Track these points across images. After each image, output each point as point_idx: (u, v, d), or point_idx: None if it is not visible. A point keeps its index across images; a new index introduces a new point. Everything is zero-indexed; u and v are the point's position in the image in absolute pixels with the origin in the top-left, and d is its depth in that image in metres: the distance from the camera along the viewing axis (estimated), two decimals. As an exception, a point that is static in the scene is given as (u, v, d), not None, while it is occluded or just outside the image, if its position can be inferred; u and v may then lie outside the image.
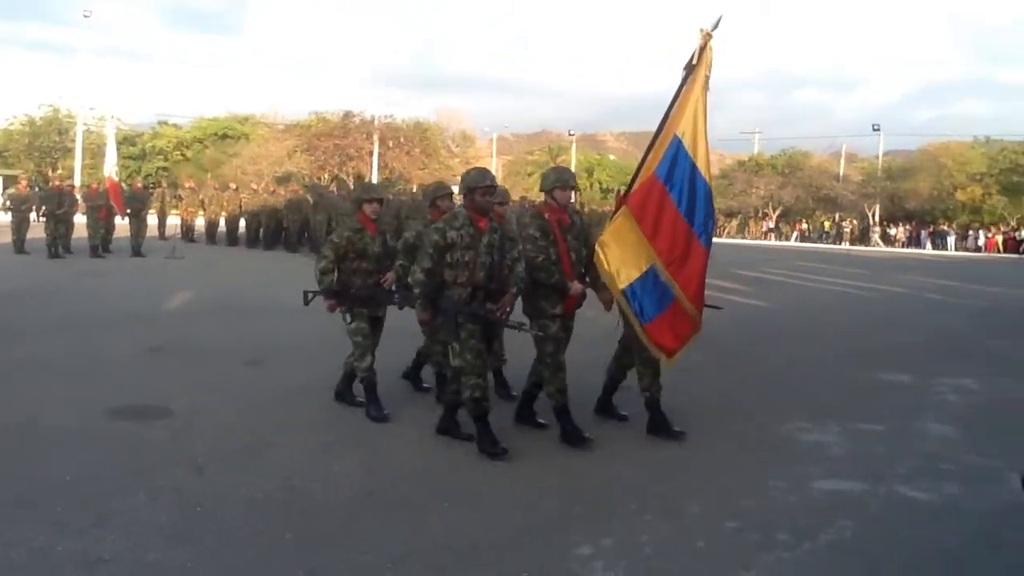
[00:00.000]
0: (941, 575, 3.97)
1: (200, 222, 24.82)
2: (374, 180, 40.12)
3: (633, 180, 5.79)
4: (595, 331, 6.19)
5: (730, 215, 54.07)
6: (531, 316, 5.69)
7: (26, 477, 4.67)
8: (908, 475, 5.23)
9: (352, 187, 37.05)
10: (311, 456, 5.24)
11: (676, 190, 5.58)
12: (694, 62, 5.58)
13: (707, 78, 5.60)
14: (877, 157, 56.37)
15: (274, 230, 23.18)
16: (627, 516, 4.42)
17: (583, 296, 5.78)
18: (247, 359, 8.05)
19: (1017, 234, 43.97)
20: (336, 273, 6.15)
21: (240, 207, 23.86)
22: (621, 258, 5.61)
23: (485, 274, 5.27)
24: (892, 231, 49.42)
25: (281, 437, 5.58)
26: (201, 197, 24.56)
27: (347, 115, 42.07)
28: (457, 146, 53.84)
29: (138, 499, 4.39)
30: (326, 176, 40.70)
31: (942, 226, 48.99)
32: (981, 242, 44.31)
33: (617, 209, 5.85)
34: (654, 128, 5.74)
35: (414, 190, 38.60)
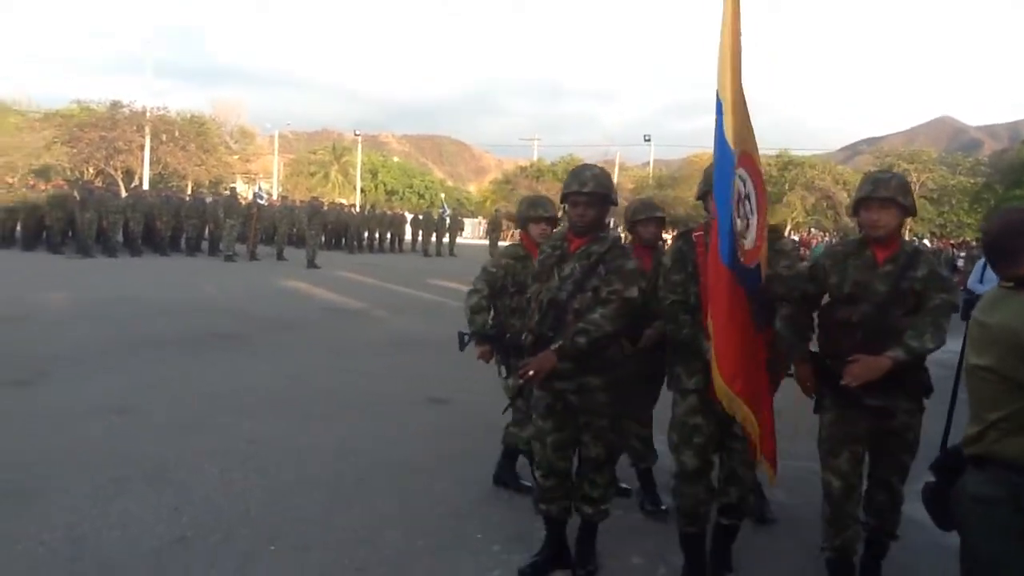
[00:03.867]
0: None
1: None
2: (146, 176, 37.37)
3: None
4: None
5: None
6: (672, 388, 3.89)
7: None
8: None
9: (121, 183, 34.34)
10: (101, 496, 4.47)
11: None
12: None
13: None
14: (644, 166, 59.59)
15: (34, 229, 20.83)
16: (475, 548, 4.10)
17: None
18: (11, 379, 6.94)
19: (772, 238, 48.02)
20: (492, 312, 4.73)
21: (-8, 203, 21.24)
22: None
23: (540, 317, 3.68)
24: (668, 236, 52.39)
25: (60, 473, 4.76)
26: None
27: (115, 105, 38.67)
28: (236, 142, 51.46)
29: None
30: (90, 170, 37.33)
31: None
32: (739, 247, 47.86)
33: None
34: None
35: (189, 188, 36.27)
